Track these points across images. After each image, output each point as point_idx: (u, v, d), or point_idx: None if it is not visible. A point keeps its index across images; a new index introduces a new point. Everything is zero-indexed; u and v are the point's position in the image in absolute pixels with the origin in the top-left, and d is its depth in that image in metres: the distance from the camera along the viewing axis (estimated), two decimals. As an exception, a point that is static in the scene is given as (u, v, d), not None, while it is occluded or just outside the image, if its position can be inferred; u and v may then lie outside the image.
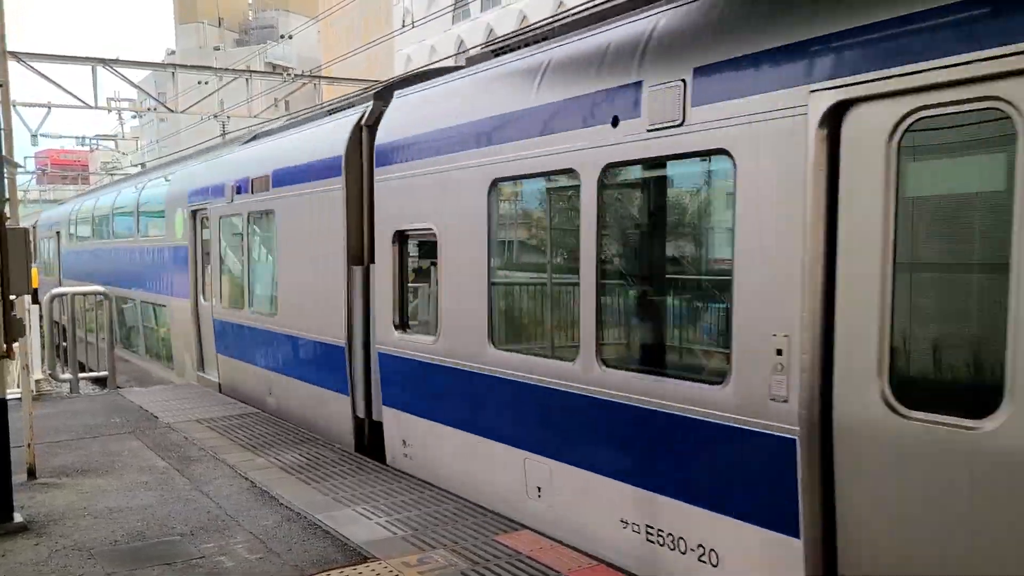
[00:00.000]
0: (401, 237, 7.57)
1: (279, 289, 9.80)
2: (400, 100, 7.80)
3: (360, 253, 8.24)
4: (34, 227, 25.93)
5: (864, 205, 3.88)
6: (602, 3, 6.11)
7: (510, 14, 48.32)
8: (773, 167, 4.24)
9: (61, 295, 13.75)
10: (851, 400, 3.94)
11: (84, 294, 14.94)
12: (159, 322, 14.95)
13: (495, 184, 6.32)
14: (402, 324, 7.64)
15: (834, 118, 3.99)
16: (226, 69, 23.45)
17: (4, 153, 6.17)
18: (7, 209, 6.13)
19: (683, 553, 4.85)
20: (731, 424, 4.49)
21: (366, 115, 8.15)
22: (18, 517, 5.99)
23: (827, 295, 4.03)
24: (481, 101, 6.54)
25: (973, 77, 3.47)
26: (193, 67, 24.55)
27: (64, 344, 14.66)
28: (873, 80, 3.82)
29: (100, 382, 14.33)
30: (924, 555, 3.72)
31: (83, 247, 20.85)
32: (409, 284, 7.78)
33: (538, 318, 6.50)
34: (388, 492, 6.69)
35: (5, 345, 5.95)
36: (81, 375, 13.35)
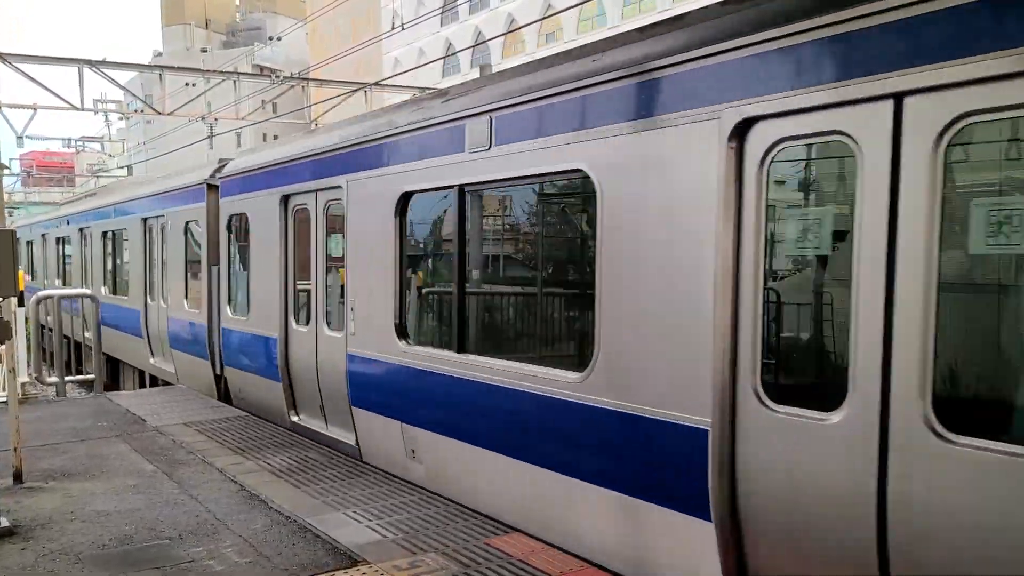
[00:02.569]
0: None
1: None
2: None
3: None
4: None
5: None
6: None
7: (498, 17, 48.28)
8: None
9: (47, 297, 13.64)
10: None
11: (70, 296, 14.82)
12: None
13: None
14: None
15: None
16: (213, 71, 23.34)
17: (-10, 155, 6.14)
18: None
19: None
20: None
21: None
22: (4, 521, 5.92)
23: None
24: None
25: None
26: (180, 69, 24.41)
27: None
28: None
29: (87, 385, 14.24)
30: None
31: None
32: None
33: None
34: (379, 495, 6.67)
35: (-9, 348, 5.90)
36: (68, 378, 13.23)
